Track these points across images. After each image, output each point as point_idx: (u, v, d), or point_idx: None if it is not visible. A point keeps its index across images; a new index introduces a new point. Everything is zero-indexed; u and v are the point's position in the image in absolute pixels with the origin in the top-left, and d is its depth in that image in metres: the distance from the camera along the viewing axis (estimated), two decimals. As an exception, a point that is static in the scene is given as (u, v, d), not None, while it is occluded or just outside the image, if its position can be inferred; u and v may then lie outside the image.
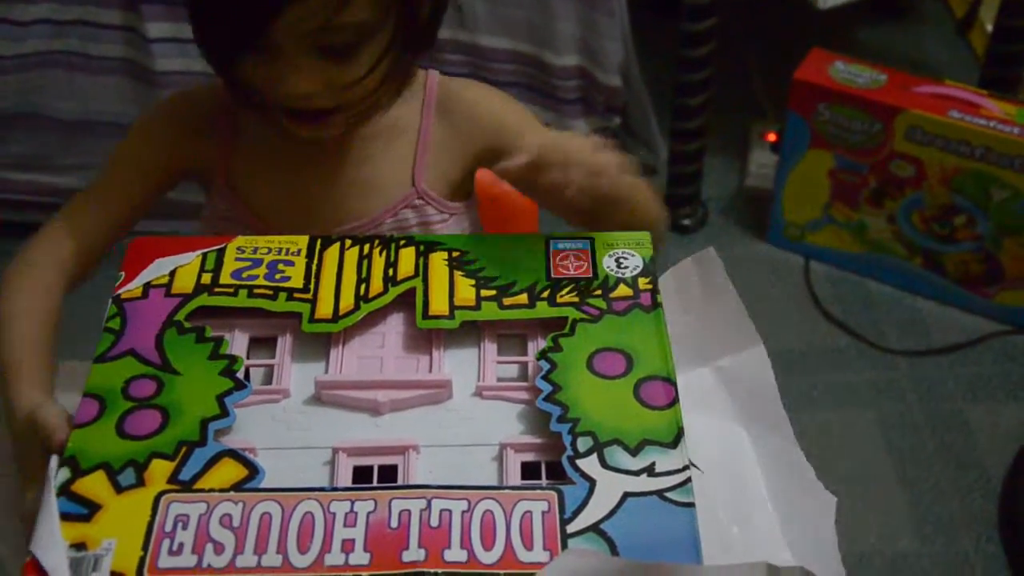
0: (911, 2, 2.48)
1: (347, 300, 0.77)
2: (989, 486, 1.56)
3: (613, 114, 1.90)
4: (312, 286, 0.78)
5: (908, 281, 1.86)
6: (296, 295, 0.78)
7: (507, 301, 0.78)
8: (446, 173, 0.96)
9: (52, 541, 0.61)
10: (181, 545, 0.62)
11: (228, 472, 0.66)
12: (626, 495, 0.65)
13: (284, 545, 0.62)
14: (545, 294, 0.78)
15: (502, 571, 0.61)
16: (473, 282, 0.79)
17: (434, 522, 0.63)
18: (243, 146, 0.95)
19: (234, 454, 0.67)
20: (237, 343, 0.76)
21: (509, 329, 0.78)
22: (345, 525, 0.63)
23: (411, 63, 0.93)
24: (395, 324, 0.79)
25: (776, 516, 0.75)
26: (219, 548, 0.62)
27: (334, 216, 0.94)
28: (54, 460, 0.67)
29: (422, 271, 0.79)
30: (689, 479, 0.66)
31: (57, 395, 0.78)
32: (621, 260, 0.81)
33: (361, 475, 0.69)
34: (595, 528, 0.63)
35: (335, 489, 0.66)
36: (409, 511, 0.64)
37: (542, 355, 0.74)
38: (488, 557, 0.62)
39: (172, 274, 0.79)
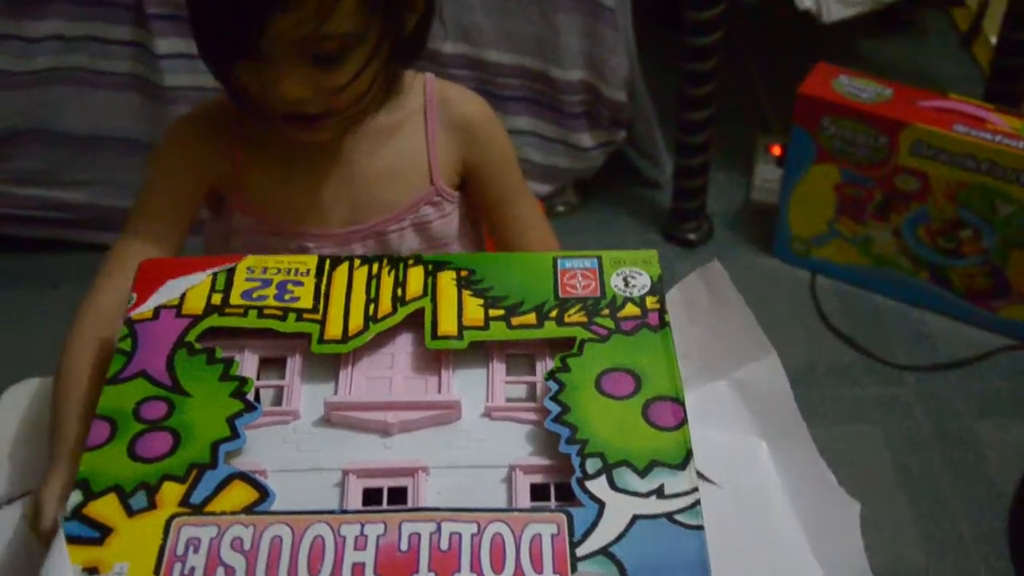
0: (915, 16, 2.48)
1: (356, 321, 0.78)
2: (999, 503, 1.55)
3: (618, 128, 1.90)
4: (321, 307, 0.79)
5: (914, 295, 1.86)
6: (306, 315, 0.78)
7: (515, 321, 0.78)
8: (448, 169, 1.02)
9: None
10: (192, 569, 0.62)
11: (239, 495, 0.66)
12: (635, 518, 0.65)
13: (295, 569, 0.62)
14: (553, 314, 0.78)
15: (511, 595, 0.61)
16: (482, 302, 0.79)
17: (444, 546, 0.63)
18: (256, 157, 0.99)
19: (244, 477, 0.67)
20: (247, 364, 0.77)
21: (517, 349, 0.79)
22: (355, 548, 0.63)
23: (399, 71, 0.98)
24: (404, 344, 0.79)
25: (801, 528, 0.75)
26: (230, 572, 0.62)
27: (354, 215, 1.00)
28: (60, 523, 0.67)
29: (431, 291, 0.80)
30: (698, 501, 0.67)
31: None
32: (629, 279, 0.81)
33: (371, 497, 0.69)
34: (604, 551, 0.63)
35: (345, 512, 0.66)
36: (419, 535, 0.64)
37: (550, 375, 0.74)
38: (498, 580, 0.62)
39: (183, 295, 0.79)
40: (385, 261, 0.82)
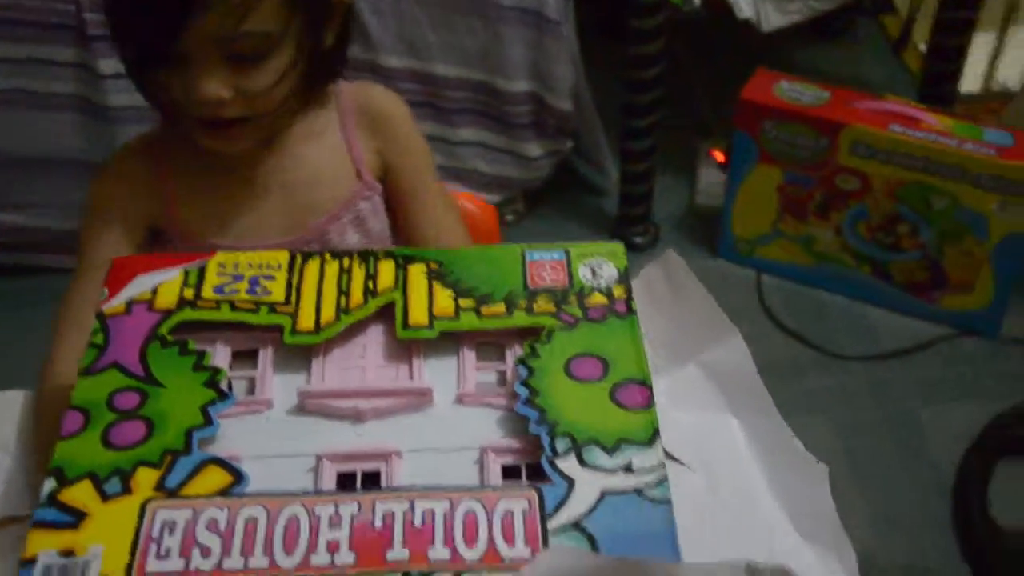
0: (847, 24, 2.53)
1: (328, 312, 0.79)
2: (942, 484, 1.60)
3: (565, 137, 1.94)
4: (293, 299, 0.79)
5: (857, 290, 1.91)
6: (278, 308, 0.79)
7: (485, 311, 0.79)
8: (371, 163, 1.05)
9: None
10: (168, 550, 0.63)
11: (213, 479, 0.67)
12: (604, 493, 0.67)
13: (271, 547, 0.63)
14: (522, 303, 0.80)
15: (485, 567, 0.62)
16: (452, 293, 0.80)
17: (417, 522, 0.64)
18: (187, 188, 1.00)
19: (219, 461, 0.68)
20: (219, 356, 0.77)
21: (487, 338, 0.80)
22: (330, 527, 0.64)
23: (320, 83, 1.01)
24: (375, 335, 0.80)
25: (775, 496, 0.77)
26: (206, 551, 0.63)
27: (292, 222, 1.02)
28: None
29: (401, 283, 0.81)
30: (665, 477, 0.68)
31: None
32: (596, 270, 0.83)
33: (345, 481, 0.70)
34: (575, 525, 0.65)
35: (319, 493, 0.67)
36: (393, 512, 0.65)
37: (520, 362, 0.75)
38: (471, 554, 0.63)
39: (155, 290, 0.80)
40: (356, 255, 0.83)
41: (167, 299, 0.79)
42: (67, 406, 0.72)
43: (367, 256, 0.83)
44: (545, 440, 0.70)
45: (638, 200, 2.00)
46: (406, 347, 0.79)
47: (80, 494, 0.66)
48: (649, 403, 0.73)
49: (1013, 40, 2.29)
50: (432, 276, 0.82)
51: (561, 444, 0.69)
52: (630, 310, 0.79)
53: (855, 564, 0.76)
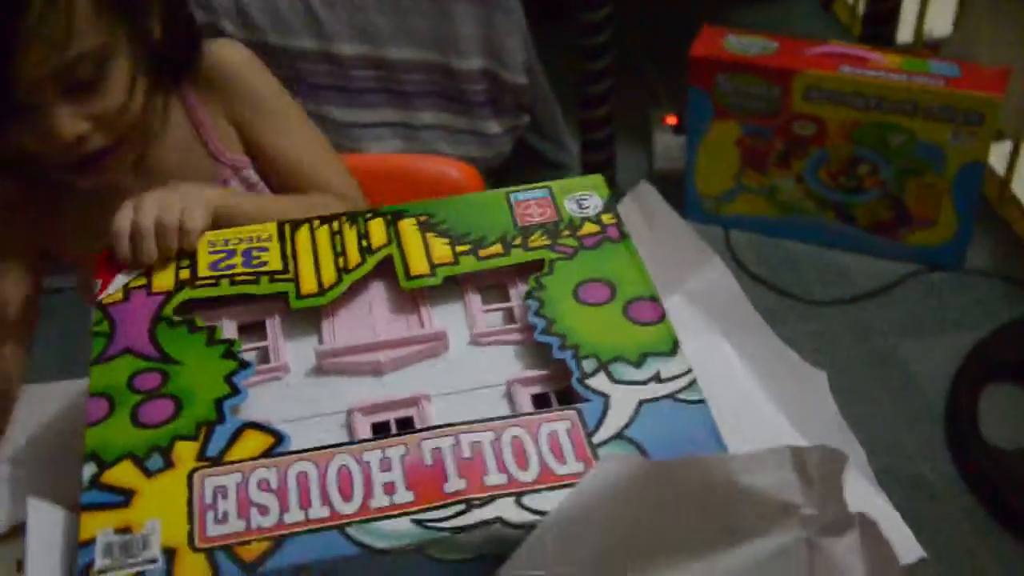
0: None
1: (328, 274, 0.79)
2: (933, 412, 1.64)
3: (522, 112, 1.95)
4: (291, 267, 0.79)
5: (823, 236, 1.94)
6: (278, 277, 0.79)
7: (483, 253, 0.80)
8: (227, 135, 0.99)
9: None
10: (226, 513, 0.62)
11: (254, 442, 0.67)
12: (641, 402, 0.68)
13: (327, 497, 0.63)
14: (517, 241, 0.81)
15: (543, 485, 0.63)
16: (447, 240, 0.81)
17: (467, 454, 0.65)
18: (64, 216, 0.96)
19: (255, 425, 0.68)
20: (227, 331, 0.77)
21: (489, 280, 0.81)
22: (381, 470, 0.64)
23: (171, 83, 0.94)
24: (378, 292, 0.80)
25: (780, 410, 0.79)
26: (263, 510, 0.62)
27: None
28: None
29: (395, 238, 0.81)
30: (694, 380, 0.70)
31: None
32: (581, 202, 0.84)
33: (379, 431, 0.70)
34: (620, 436, 0.66)
35: (364, 441, 0.67)
36: (440, 448, 0.65)
37: (528, 295, 0.76)
38: (526, 476, 0.64)
39: (148, 274, 0.79)
40: (344, 218, 0.84)
41: (164, 282, 0.78)
42: None
43: (355, 217, 0.83)
44: (572, 363, 0.71)
45: (601, 168, 1.99)
46: (411, 298, 0.80)
47: (123, 474, 0.65)
48: (662, 316, 0.74)
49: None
50: (424, 228, 0.82)
51: (588, 364, 0.71)
52: (622, 234, 0.81)
53: (864, 459, 0.79)
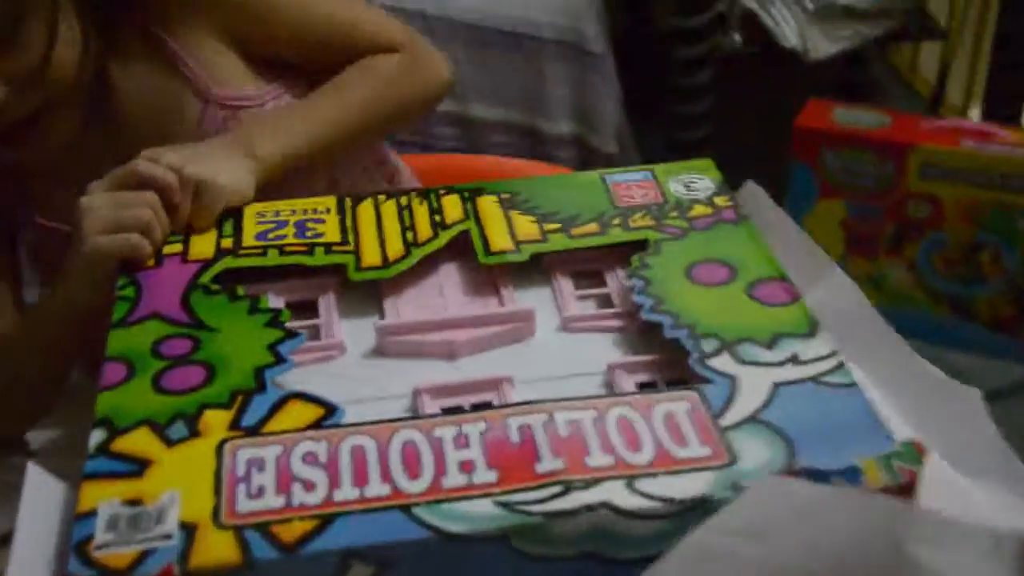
0: (877, 86, 2.46)
1: (394, 247, 0.67)
2: None
3: None
4: (352, 239, 0.68)
5: (937, 333, 1.78)
6: (335, 248, 0.67)
7: (576, 231, 0.68)
8: (222, 65, 0.79)
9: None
10: (261, 488, 0.49)
11: (300, 413, 0.54)
12: (776, 385, 0.55)
13: (388, 474, 0.50)
14: (616, 221, 0.69)
15: (660, 469, 0.50)
16: (533, 218, 0.69)
17: (563, 432, 0.52)
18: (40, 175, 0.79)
19: (302, 395, 0.55)
20: (272, 305, 0.65)
21: (582, 264, 0.69)
22: (456, 448, 0.51)
23: (109, 22, 0.75)
24: (450, 273, 0.69)
25: (928, 439, 0.64)
26: (309, 485, 0.50)
27: None
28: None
29: (472, 214, 0.70)
30: (843, 363, 0.57)
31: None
32: (689, 184, 0.72)
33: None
34: (754, 419, 0.53)
35: (434, 416, 0.55)
36: (530, 426, 0.53)
37: (631, 275, 0.64)
38: (638, 458, 0.51)
39: (185, 241, 0.68)
40: (413, 194, 0.72)
41: (202, 249, 0.67)
42: None
43: (426, 193, 0.72)
44: (688, 343, 0.58)
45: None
46: (489, 280, 0.68)
47: (138, 441, 0.52)
48: (796, 297, 0.62)
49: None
50: (506, 205, 0.71)
51: (708, 344, 0.58)
52: (741, 216, 0.69)
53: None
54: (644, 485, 0.49)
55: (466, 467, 0.50)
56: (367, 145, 0.87)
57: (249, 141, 0.73)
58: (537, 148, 1.76)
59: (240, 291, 0.63)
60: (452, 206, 0.71)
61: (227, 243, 0.68)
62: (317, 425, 0.53)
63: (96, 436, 0.53)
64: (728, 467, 0.50)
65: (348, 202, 0.71)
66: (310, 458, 0.51)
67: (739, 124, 2.16)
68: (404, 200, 0.71)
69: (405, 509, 0.48)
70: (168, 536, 0.47)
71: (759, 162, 2.11)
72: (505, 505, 0.48)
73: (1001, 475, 0.62)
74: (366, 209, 0.71)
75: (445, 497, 0.49)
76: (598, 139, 1.74)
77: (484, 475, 0.50)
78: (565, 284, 0.67)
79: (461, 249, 0.69)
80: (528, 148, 1.77)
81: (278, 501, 0.49)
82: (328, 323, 0.64)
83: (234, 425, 0.53)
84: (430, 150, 1.73)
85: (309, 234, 0.68)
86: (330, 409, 0.54)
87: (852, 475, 0.50)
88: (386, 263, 0.66)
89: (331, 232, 0.68)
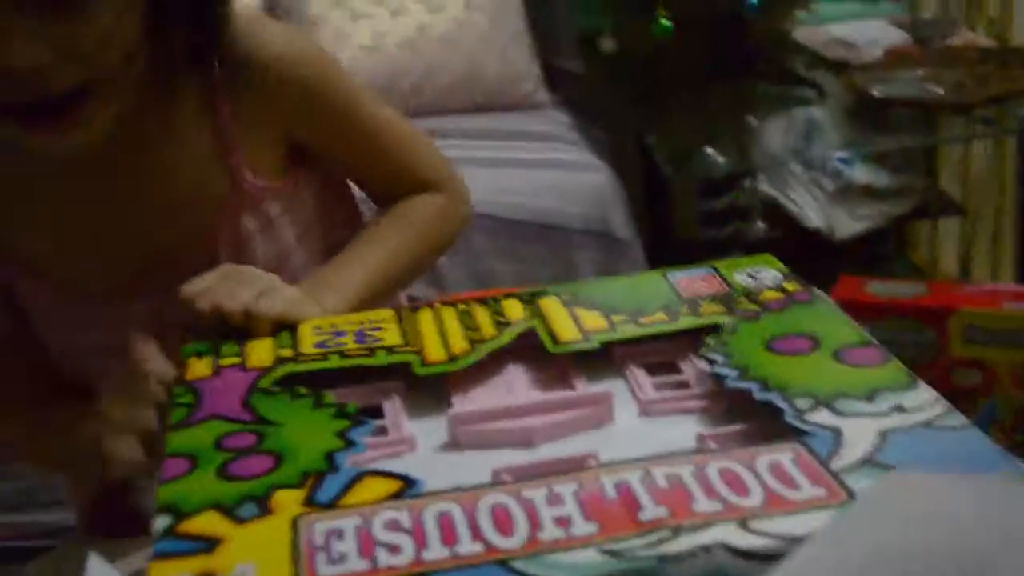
0: (901, 266, 2.46)
1: (459, 345, 0.65)
2: None
3: None
4: (414, 340, 0.66)
5: None
6: (398, 349, 0.65)
7: (644, 320, 0.66)
8: (264, 156, 0.77)
9: None
10: (343, 554, 0.45)
11: (377, 488, 0.51)
12: (884, 432, 0.51)
13: (480, 534, 0.46)
14: (684, 310, 0.67)
15: (775, 510, 0.46)
16: (599, 312, 0.67)
17: (663, 484, 0.48)
18: (17, 212, 0.74)
19: (378, 472, 0.52)
20: (337, 408, 0.62)
21: (654, 355, 0.66)
22: (550, 505, 0.48)
23: (184, 36, 0.70)
24: (518, 370, 0.66)
25: None
26: (394, 549, 0.46)
27: (145, 246, 0.76)
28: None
29: (536, 313, 0.68)
30: (952, 408, 0.53)
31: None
32: (754, 275, 0.70)
33: (536, 494, 0.54)
34: (869, 462, 0.49)
35: (522, 480, 0.51)
36: (627, 481, 0.49)
37: (709, 352, 0.61)
38: (748, 502, 0.47)
39: (241, 352, 0.65)
40: (472, 300, 0.70)
41: (261, 358, 0.65)
42: None
43: (485, 300, 0.70)
44: (782, 404, 0.55)
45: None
46: (559, 374, 0.65)
47: (206, 523, 0.49)
48: (887, 358, 0.59)
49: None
50: (569, 303, 0.69)
51: (802, 403, 0.55)
52: (815, 297, 0.67)
53: None
54: (759, 525, 0.45)
55: (562, 523, 0.46)
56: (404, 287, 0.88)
57: (317, 297, 0.73)
58: None
59: (302, 390, 0.61)
60: (513, 308, 0.69)
61: (286, 352, 0.65)
62: (396, 497, 0.50)
63: (161, 522, 0.49)
64: (847, 504, 0.46)
65: (406, 312, 0.69)
66: (392, 525, 0.47)
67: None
68: (463, 306, 0.69)
69: (503, 563, 0.44)
70: (246, 603, 0.43)
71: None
72: (612, 553, 0.44)
73: None
74: (425, 316, 0.69)
75: (545, 549, 0.45)
76: None
77: (583, 527, 0.46)
78: (639, 373, 0.64)
79: (527, 349, 0.66)
80: None
81: (362, 564, 0.45)
82: (396, 422, 0.61)
83: (308, 502, 0.50)
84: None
85: (369, 340, 0.66)
86: (409, 482, 0.51)
87: (986, 502, 0.45)
88: (452, 358, 0.63)
89: (392, 337, 0.66)
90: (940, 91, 1.75)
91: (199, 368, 0.64)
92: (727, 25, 1.84)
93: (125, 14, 0.64)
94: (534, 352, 0.65)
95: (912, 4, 2.21)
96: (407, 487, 0.50)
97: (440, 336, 0.66)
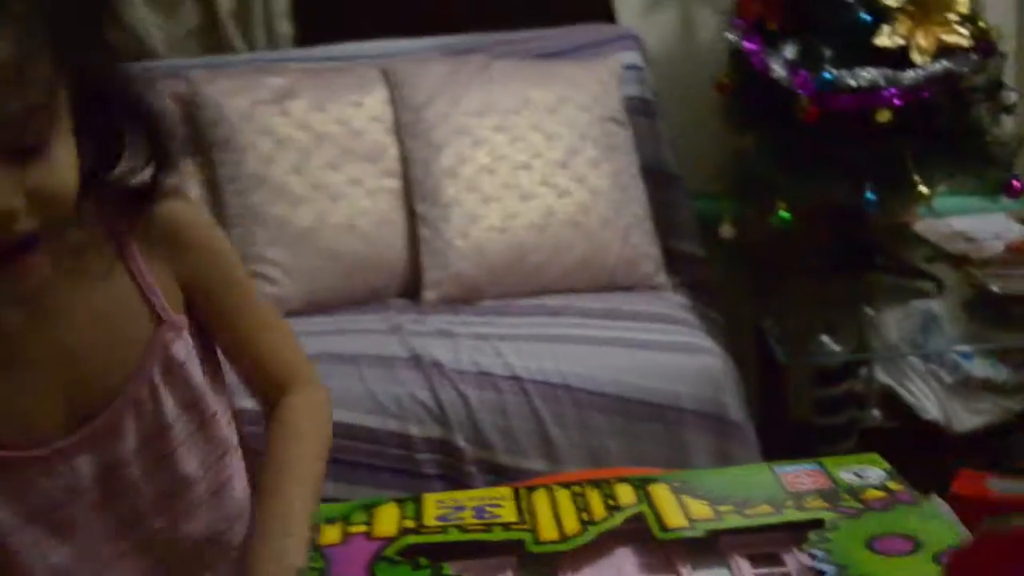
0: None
1: (571, 525, 0.69)
2: None
3: None
4: (528, 519, 0.70)
5: None
6: (513, 527, 0.69)
7: (749, 511, 0.69)
8: (171, 294, 0.81)
9: None
10: None
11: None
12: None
13: None
14: (788, 503, 0.69)
15: None
16: (706, 502, 0.70)
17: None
18: None
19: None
20: (454, 581, 0.66)
21: (757, 546, 0.68)
22: None
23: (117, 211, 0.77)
24: (627, 554, 0.69)
25: None
26: None
27: (82, 400, 0.77)
28: None
29: (645, 499, 0.71)
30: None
31: None
32: (860, 473, 0.73)
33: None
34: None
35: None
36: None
37: (811, 547, 0.64)
38: None
39: (369, 518, 0.70)
40: (585, 483, 0.74)
41: (386, 528, 0.69)
42: None
43: (598, 482, 0.74)
44: (878, 601, 0.57)
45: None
46: (666, 560, 0.68)
47: None
48: (985, 563, 0.61)
49: None
50: (677, 490, 0.72)
51: (900, 602, 0.57)
52: (918, 498, 0.69)
53: None
54: None
55: None
56: None
57: (281, 551, 0.72)
58: None
59: (424, 561, 0.65)
60: (625, 492, 0.72)
61: (409, 523, 0.70)
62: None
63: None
64: None
65: (523, 491, 0.74)
66: None
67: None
68: (577, 488, 0.73)
69: None
70: None
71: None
72: None
73: None
74: (540, 496, 0.73)
75: None
76: None
77: None
78: (743, 563, 0.67)
79: (635, 533, 0.69)
80: None
81: None
82: (508, 596, 0.65)
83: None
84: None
85: (487, 516, 0.70)
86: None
87: None
88: (564, 538, 0.67)
89: (508, 514, 0.70)
90: (1061, 288, 1.75)
91: (330, 534, 0.69)
92: (846, 217, 1.89)
93: (72, 164, 0.69)
94: (642, 536, 0.69)
95: (1034, 200, 2.23)
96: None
97: (554, 516, 0.70)
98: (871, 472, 0.73)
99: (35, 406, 0.76)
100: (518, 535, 0.68)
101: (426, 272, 1.91)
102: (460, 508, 0.72)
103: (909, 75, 1.66)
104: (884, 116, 1.65)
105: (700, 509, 0.69)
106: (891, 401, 2.03)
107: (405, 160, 1.94)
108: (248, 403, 0.88)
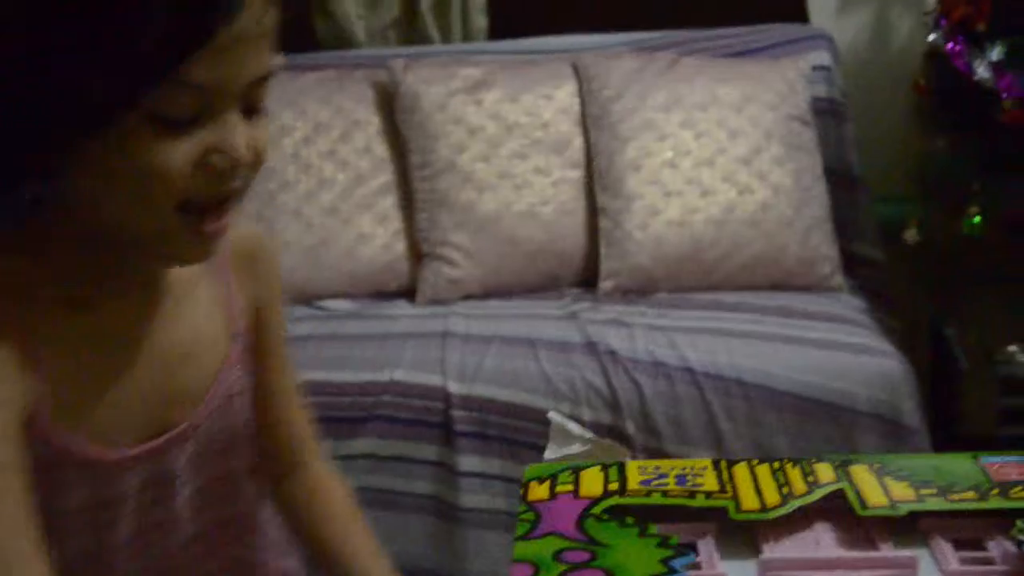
0: None
1: (771, 497, 0.70)
2: None
3: None
4: (730, 488, 0.72)
5: None
6: (715, 495, 0.71)
7: (952, 496, 0.69)
8: (248, 317, 0.82)
9: None
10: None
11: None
12: None
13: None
14: (995, 492, 0.70)
15: None
16: (908, 484, 0.71)
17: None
18: (57, 363, 0.70)
19: (702, 597, 0.58)
20: (657, 541, 0.69)
21: (960, 532, 0.69)
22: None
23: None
24: (826, 528, 0.70)
25: None
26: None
27: (159, 413, 0.76)
28: None
29: (845, 477, 0.73)
30: None
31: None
32: (1068, 469, 0.73)
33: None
34: None
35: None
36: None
37: (1020, 532, 0.64)
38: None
39: (576, 479, 0.74)
40: (786, 459, 0.76)
41: (592, 489, 0.73)
42: None
43: (798, 460, 0.76)
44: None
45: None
46: (866, 536, 0.69)
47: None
48: None
49: None
50: (878, 472, 0.73)
51: (1113, 589, 0.57)
52: None
53: None
54: None
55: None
56: None
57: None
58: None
59: (630, 519, 0.68)
60: (824, 471, 0.74)
61: (614, 486, 0.73)
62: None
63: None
64: None
65: (724, 463, 0.76)
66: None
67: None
68: (776, 464, 0.75)
69: None
70: None
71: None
72: None
73: None
74: (741, 469, 0.75)
75: None
76: None
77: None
78: (945, 545, 0.68)
79: (835, 510, 0.71)
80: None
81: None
82: (709, 560, 0.67)
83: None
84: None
85: (689, 484, 0.73)
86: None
87: None
88: (764, 508, 0.69)
89: (709, 483, 0.73)
90: None
91: (538, 491, 0.72)
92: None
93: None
94: (841, 514, 0.70)
95: None
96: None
97: (755, 488, 0.72)
98: (1080, 468, 0.73)
99: (123, 408, 0.74)
100: (720, 503, 0.70)
101: (604, 262, 1.94)
102: (663, 476, 0.74)
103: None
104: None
105: (902, 491, 0.70)
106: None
107: (589, 152, 1.98)
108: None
